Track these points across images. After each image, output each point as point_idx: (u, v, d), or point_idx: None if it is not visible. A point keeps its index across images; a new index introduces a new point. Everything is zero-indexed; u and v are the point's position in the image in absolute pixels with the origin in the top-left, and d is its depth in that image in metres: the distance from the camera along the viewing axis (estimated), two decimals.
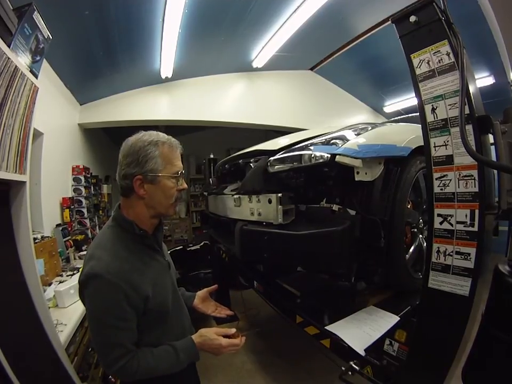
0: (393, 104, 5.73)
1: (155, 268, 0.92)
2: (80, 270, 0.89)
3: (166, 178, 0.87)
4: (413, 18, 0.86)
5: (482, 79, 4.15)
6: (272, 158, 1.43)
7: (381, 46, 3.86)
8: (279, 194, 1.33)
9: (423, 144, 0.89)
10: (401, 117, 3.33)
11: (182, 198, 0.94)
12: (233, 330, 0.99)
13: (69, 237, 2.63)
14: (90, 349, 1.74)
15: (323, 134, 1.43)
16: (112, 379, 1.80)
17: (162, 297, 0.90)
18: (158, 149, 0.86)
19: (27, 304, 1.16)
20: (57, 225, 2.57)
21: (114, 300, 0.78)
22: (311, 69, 4.86)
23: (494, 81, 4.15)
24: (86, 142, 3.81)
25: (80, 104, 3.52)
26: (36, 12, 1.18)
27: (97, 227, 3.53)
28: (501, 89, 3.89)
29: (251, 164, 1.72)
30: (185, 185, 0.94)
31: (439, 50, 0.83)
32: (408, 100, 5.23)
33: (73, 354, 1.47)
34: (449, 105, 0.82)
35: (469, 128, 0.77)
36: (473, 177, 0.78)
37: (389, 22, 0.94)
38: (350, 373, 1.03)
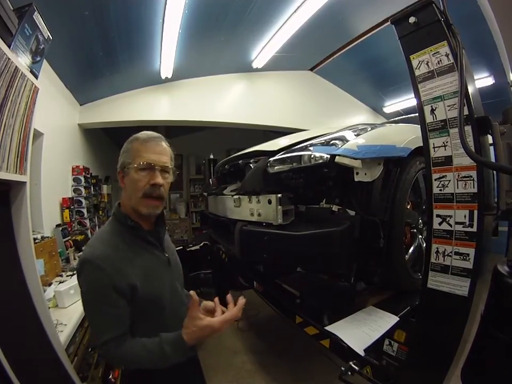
0: (393, 105, 5.73)
1: (150, 260, 0.93)
2: None
3: (133, 170, 0.89)
4: (412, 19, 0.86)
5: (482, 80, 4.15)
6: (272, 159, 1.43)
7: (381, 47, 3.86)
8: (279, 195, 1.33)
9: (422, 144, 0.90)
10: (401, 117, 3.33)
11: (160, 195, 0.89)
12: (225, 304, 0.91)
13: (69, 237, 2.63)
14: (90, 349, 1.74)
15: (323, 135, 1.43)
16: (112, 379, 1.80)
17: (154, 290, 0.90)
18: (132, 144, 0.92)
19: (27, 304, 1.16)
20: (57, 226, 2.57)
21: (101, 285, 0.81)
22: (311, 69, 4.85)
23: (493, 81, 4.15)
24: (86, 142, 3.81)
25: (80, 105, 3.52)
26: (36, 12, 1.18)
27: (97, 227, 3.52)
28: (500, 90, 3.90)
29: (251, 165, 1.72)
30: (157, 180, 0.88)
31: (438, 51, 0.83)
32: (408, 100, 5.22)
33: (73, 355, 1.47)
34: (449, 106, 0.82)
35: (468, 129, 0.78)
36: (472, 178, 0.79)
37: (389, 22, 0.94)
38: (349, 373, 1.04)
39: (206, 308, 0.98)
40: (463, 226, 0.80)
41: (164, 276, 0.96)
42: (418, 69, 0.88)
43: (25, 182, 1.15)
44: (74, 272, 2.14)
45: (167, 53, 3.07)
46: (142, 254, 0.92)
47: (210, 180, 2.73)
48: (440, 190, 0.85)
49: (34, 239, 1.72)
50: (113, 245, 0.88)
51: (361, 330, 1.17)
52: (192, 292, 0.82)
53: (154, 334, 0.85)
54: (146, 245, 0.95)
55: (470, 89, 0.80)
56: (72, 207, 2.95)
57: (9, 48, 1.01)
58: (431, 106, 0.86)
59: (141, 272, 0.88)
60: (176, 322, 0.92)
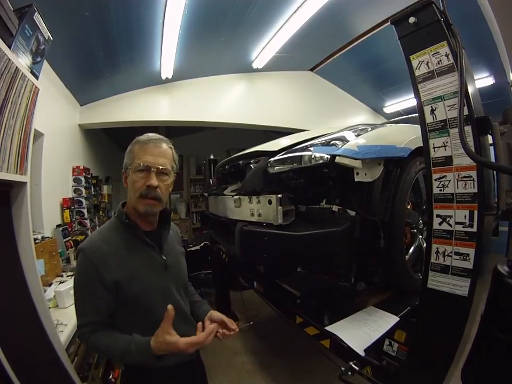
0: (394, 105, 5.73)
1: (143, 261, 0.93)
2: None
3: (132, 171, 0.92)
4: (412, 20, 0.86)
5: (482, 80, 4.15)
6: (272, 159, 1.43)
7: (381, 47, 3.86)
8: (279, 195, 1.33)
9: (422, 145, 0.90)
10: (401, 117, 3.33)
11: (155, 197, 0.90)
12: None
13: (69, 238, 2.64)
14: None
15: (323, 135, 1.43)
16: (112, 379, 1.80)
17: (138, 289, 0.89)
18: (133, 146, 0.95)
19: (27, 305, 1.16)
20: (58, 226, 2.58)
21: (88, 273, 0.87)
22: (311, 69, 4.86)
23: (493, 81, 4.15)
24: (86, 143, 3.81)
25: (81, 105, 3.52)
26: (36, 13, 1.18)
27: (97, 227, 3.53)
28: (500, 90, 3.90)
29: (251, 165, 1.72)
30: (151, 182, 0.89)
31: (438, 52, 0.83)
32: (408, 101, 5.22)
33: (74, 355, 1.47)
34: (448, 106, 0.82)
35: (468, 129, 0.78)
36: (472, 178, 0.79)
37: (389, 23, 0.94)
38: (349, 373, 1.04)
39: (212, 318, 1.00)
40: (463, 227, 0.80)
41: (154, 278, 0.94)
42: (418, 69, 0.88)
43: (26, 182, 1.15)
44: (75, 272, 2.15)
45: (167, 54, 3.07)
46: (136, 253, 0.93)
47: (210, 180, 2.73)
48: (440, 190, 0.85)
49: (35, 239, 1.72)
50: (108, 240, 0.92)
51: (361, 331, 1.17)
52: (169, 306, 0.82)
53: (143, 335, 0.86)
54: (143, 245, 0.95)
55: (470, 89, 0.80)
56: (72, 207, 2.96)
57: (10, 48, 1.01)
58: (431, 106, 0.86)
59: (128, 270, 0.89)
60: None
